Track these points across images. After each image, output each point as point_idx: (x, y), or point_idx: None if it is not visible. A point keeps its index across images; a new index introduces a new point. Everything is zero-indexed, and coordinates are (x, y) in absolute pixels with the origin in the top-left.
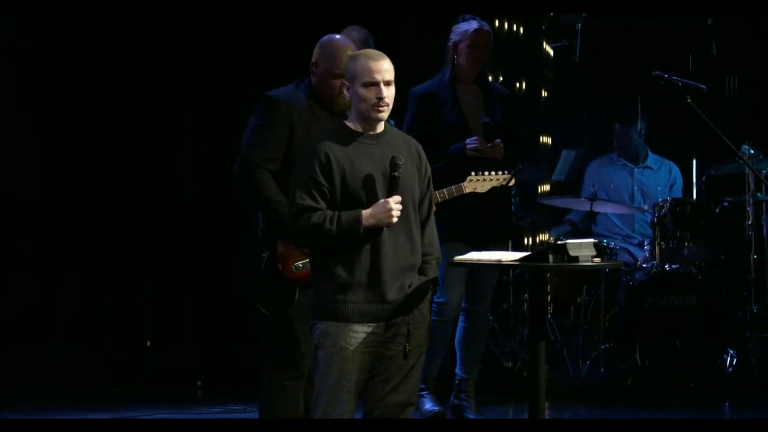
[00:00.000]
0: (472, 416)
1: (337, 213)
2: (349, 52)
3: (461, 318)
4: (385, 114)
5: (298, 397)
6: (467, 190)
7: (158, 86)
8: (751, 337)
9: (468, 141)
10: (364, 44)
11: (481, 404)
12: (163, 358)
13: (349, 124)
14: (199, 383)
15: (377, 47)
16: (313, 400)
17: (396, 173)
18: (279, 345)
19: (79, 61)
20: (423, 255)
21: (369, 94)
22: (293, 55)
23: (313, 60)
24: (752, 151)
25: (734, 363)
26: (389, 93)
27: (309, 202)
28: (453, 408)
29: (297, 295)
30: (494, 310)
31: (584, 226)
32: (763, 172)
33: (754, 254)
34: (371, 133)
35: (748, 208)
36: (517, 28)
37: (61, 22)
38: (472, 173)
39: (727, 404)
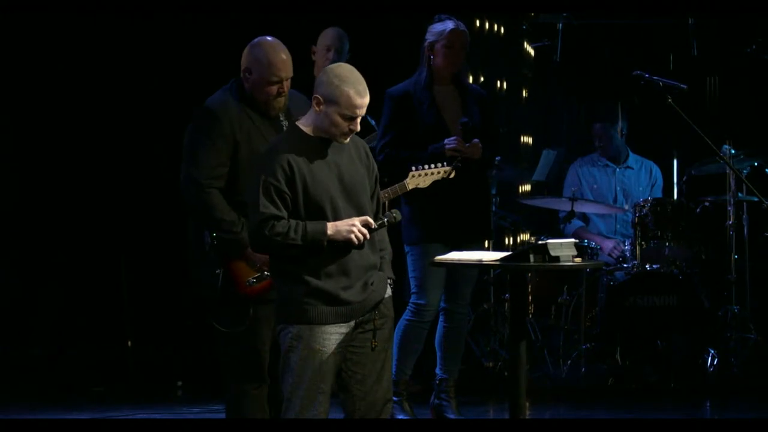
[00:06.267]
0: (452, 416)
1: (302, 223)
2: (283, 56)
3: (441, 318)
4: (348, 140)
5: (263, 403)
6: (410, 187)
7: (136, 83)
8: (731, 336)
9: (446, 141)
10: (339, 42)
11: (461, 404)
12: (144, 357)
13: (304, 128)
14: (179, 383)
15: (354, 47)
16: (285, 403)
17: (386, 222)
18: (240, 359)
19: (55, 59)
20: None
21: (343, 124)
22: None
23: (244, 66)
24: (733, 151)
25: (715, 363)
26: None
27: (273, 210)
28: (433, 408)
29: (252, 310)
30: (475, 310)
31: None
32: (744, 172)
33: (735, 254)
34: (326, 137)
35: (729, 208)
36: (498, 29)
37: (34, 17)
38: (413, 168)
39: (708, 404)
